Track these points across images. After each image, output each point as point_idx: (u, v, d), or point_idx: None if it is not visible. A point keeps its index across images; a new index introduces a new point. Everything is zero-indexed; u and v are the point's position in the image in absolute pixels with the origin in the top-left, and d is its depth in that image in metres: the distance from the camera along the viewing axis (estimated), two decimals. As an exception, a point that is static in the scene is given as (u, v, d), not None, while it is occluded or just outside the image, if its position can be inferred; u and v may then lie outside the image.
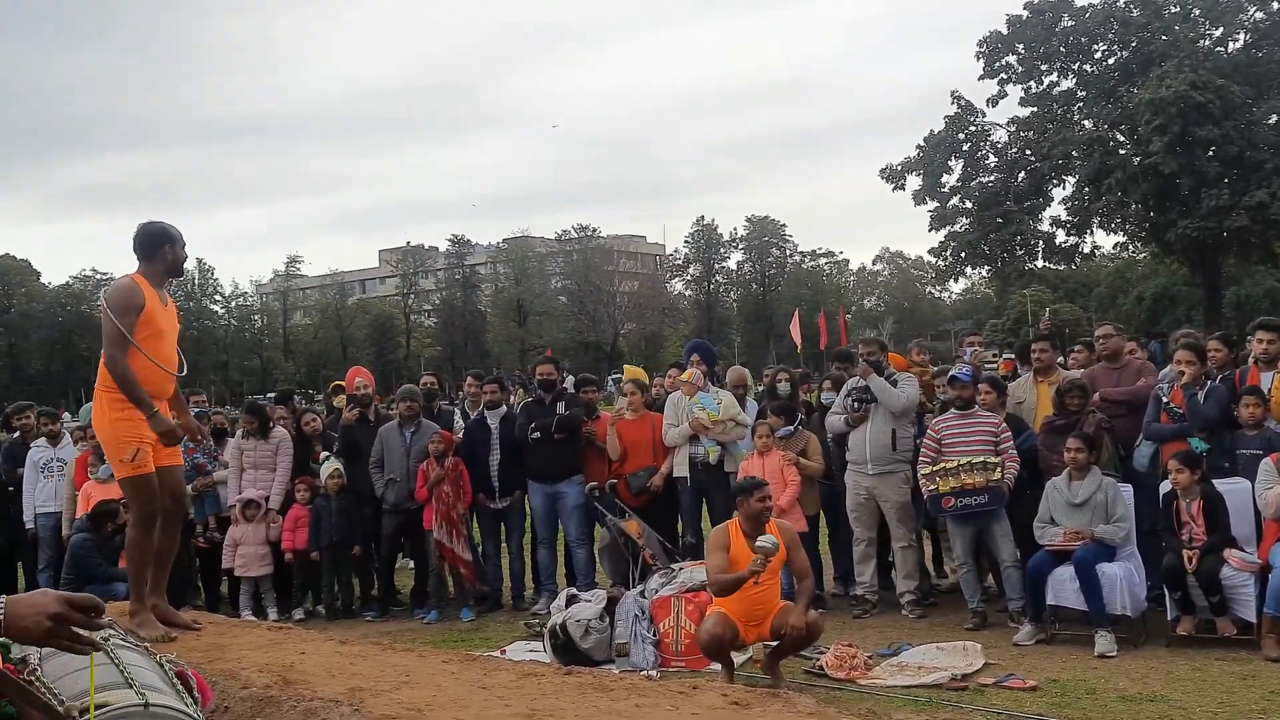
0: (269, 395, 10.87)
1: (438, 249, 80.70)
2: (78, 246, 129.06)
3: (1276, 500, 6.79)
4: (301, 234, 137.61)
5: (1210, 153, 34.94)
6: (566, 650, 7.23)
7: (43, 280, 73.98)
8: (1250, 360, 7.77)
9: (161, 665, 2.52)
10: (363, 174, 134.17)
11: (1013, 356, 12.65)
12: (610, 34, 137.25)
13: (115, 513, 8.74)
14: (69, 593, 2.20)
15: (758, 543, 6.13)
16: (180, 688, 2.43)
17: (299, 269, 79.34)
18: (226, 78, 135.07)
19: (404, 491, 9.35)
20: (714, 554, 6.44)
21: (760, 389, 11.00)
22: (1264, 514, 6.97)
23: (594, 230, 74.58)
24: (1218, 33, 37.53)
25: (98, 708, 2.19)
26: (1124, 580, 7.10)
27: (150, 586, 5.54)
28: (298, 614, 9.55)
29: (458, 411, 10.79)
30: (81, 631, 2.13)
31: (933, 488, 7.85)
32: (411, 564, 10.31)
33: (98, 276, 71.78)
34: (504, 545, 9.83)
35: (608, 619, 7.42)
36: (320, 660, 5.05)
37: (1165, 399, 7.66)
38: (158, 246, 5.49)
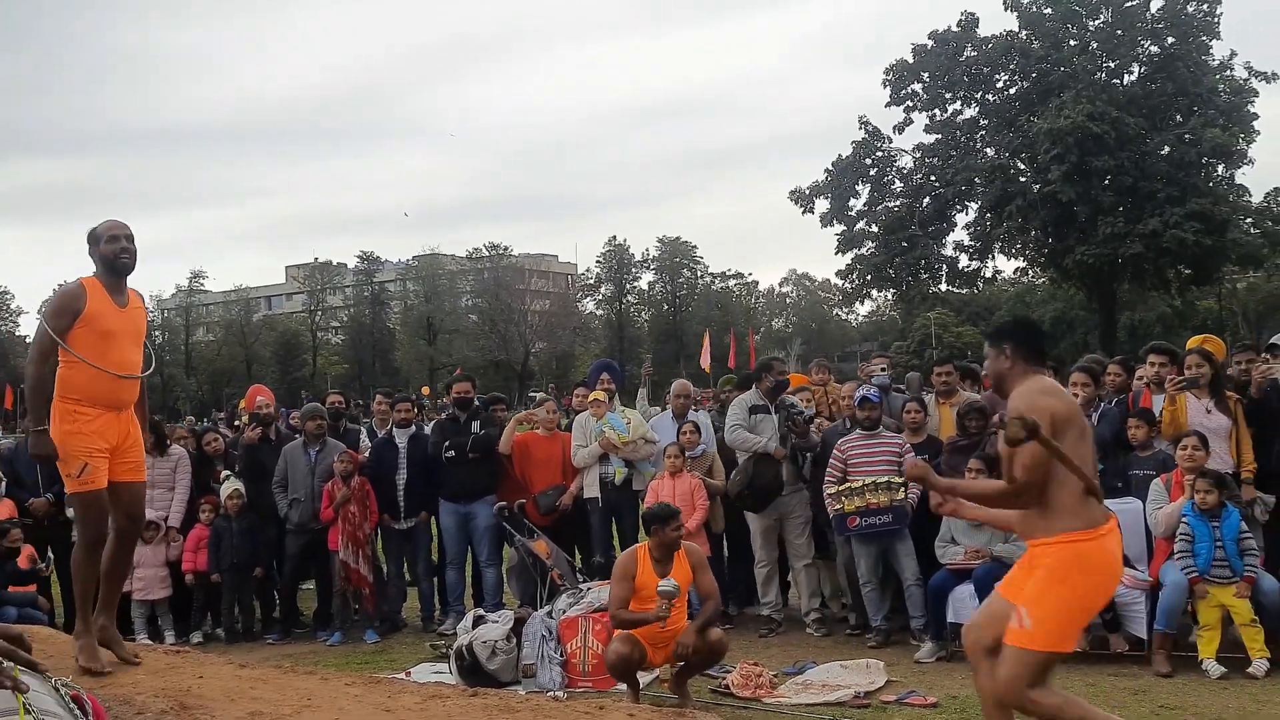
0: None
1: (346, 265, 79.71)
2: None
3: (1166, 519, 7.02)
4: (205, 248, 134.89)
5: (1106, 182, 36.11)
6: (472, 672, 7.17)
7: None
8: (1143, 383, 8.03)
9: (57, 689, 2.46)
10: (269, 188, 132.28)
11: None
12: (521, 50, 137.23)
13: (5, 532, 8.46)
14: None
15: (660, 587, 6.15)
16: (77, 712, 2.37)
17: (202, 284, 77.74)
18: (125, 86, 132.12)
19: (308, 511, 9.19)
20: (618, 583, 6.41)
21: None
22: (1155, 533, 7.20)
23: (505, 248, 74.36)
24: (1114, 65, 38.82)
25: None
26: (1022, 598, 7.26)
27: (100, 605, 5.26)
28: (196, 637, 9.32)
29: (364, 430, 10.66)
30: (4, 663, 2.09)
31: (838, 507, 7.95)
32: (310, 585, 10.16)
33: (-13, 288, 69.51)
34: (409, 566, 9.72)
35: (514, 640, 7.38)
36: (219, 684, 4.95)
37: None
38: (89, 248, 5.26)
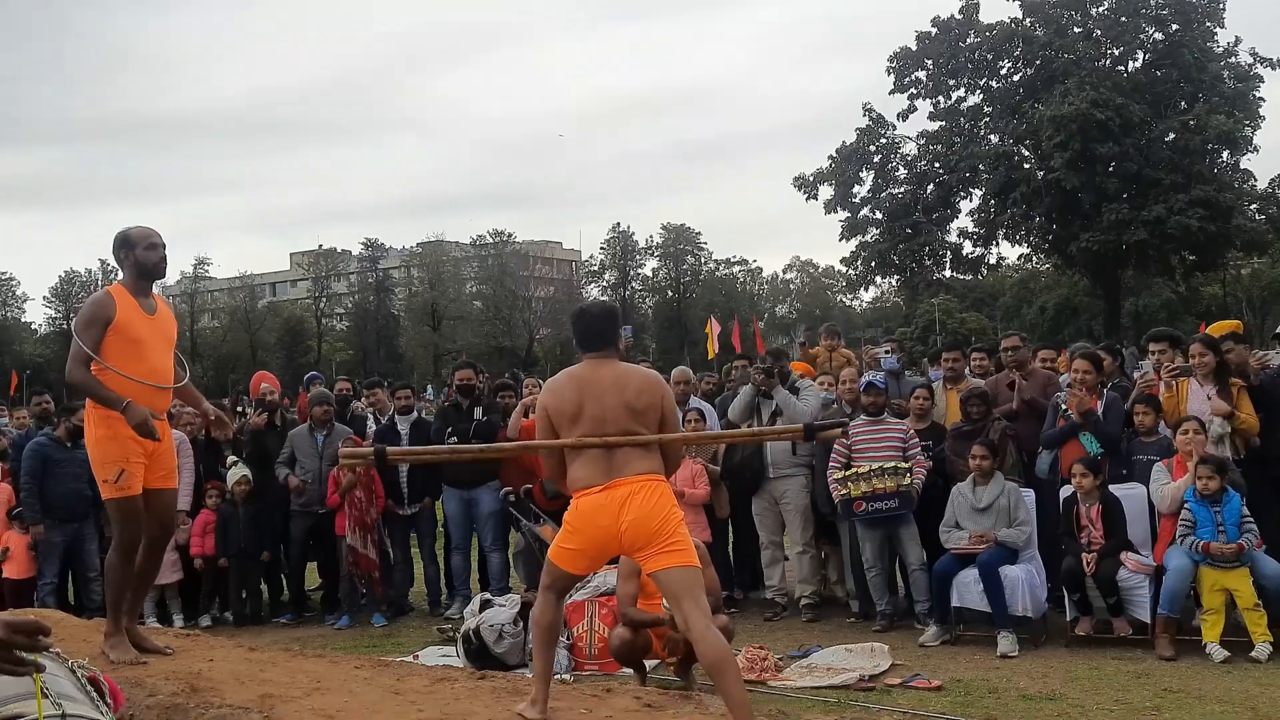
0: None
1: (351, 252, 79.70)
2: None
3: (1172, 495, 7.05)
4: (210, 235, 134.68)
5: (1110, 169, 36.03)
6: (480, 655, 7.21)
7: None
8: (1148, 368, 8.08)
9: (74, 671, 2.49)
10: (273, 176, 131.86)
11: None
12: (523, 38, 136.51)
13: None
14: (10, 617, 2.17)
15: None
16: (94, 694, 2.40)
17: (207, 270, 77.71)
18: (127, 75, 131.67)
19: (314, 494, 9.24)
20: (626, 580, 6.38)
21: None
22: (1159, 508, 7.23)
23: (510, 235, 74.36)
24: (1118, 52, 38.71)
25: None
26: (1026, 582, 7.30)
27: (126, 608, 5.29)
28: (204, 621, 9.37)
29: (371, 417, 10.70)
30: (24, 655, 2.11)
31: (844, 492, 7.97)
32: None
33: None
34: (414, 551, 9.77)
35: (521, 624, 7.41)
36: (229, 667, 4.99)
37: (1063, 406, 7.89)
38: (118, 252, 5.28)
